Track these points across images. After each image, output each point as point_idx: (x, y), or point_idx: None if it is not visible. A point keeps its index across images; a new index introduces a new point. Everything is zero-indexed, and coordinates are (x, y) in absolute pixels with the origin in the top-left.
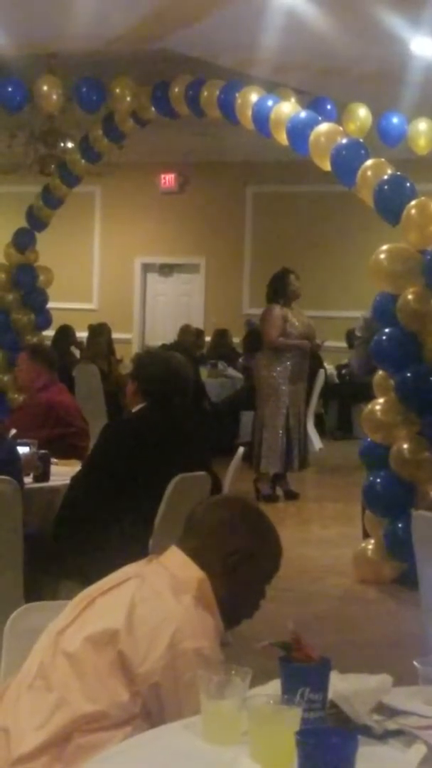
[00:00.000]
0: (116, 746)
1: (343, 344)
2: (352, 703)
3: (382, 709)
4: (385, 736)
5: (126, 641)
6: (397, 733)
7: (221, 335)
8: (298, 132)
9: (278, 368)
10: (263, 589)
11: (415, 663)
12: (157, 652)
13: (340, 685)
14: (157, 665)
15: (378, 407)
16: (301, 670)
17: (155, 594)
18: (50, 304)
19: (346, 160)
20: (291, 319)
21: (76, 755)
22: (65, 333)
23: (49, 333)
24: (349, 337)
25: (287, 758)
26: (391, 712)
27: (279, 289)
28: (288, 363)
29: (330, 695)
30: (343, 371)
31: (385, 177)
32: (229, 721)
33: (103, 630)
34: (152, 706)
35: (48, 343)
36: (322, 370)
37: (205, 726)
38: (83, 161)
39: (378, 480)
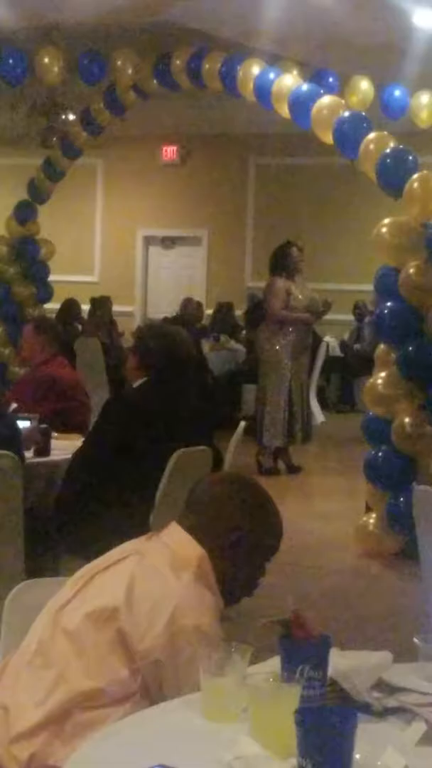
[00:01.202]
0: (115, 723)
1: (346, 317)
2: (352, 680)
3: (382, 686)
4: (384, 713)
5: (126, 618)
6: (397, 711)
7: (225, 308)
8: (300, 105)
9: (281, 341)
10: (263, 566)
11: (415, 640)
12: (156, 629)
13: (340, 662)
14: (157, 642)
15: (379, 381)
16: (300, 648)
17: (155, 571)
18: (52, 277)
19: (349, 133)
20: (294, 291)
21: (75, 732)
22: (70, 307)
23: (53, 306)
24: (358, 309)
25: (286, 736)
26: (391, 689)
27: (281, 262)
28: (291, 336)
29: (330, 672)
30: (355, 344)
31: (388, 150)
32: (228, 698)
33: (102, 607)
34: (152, 683)
35: (52, 316)
36: (324, 343)
37: (205, 703)
38: (84, 133)
39: (379, 454)
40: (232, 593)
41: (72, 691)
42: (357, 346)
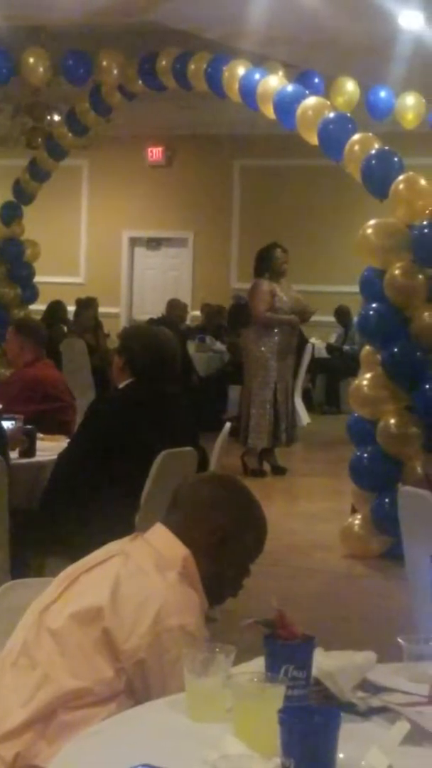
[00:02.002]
0: (100, 723)
1: (332, 319)
2: (336, 680)
3: (366, 686)
4: (368, 713)
5: (111, 618)
6: (381, 710)
7: (215, 310)
8: (285, 106)
9: (267, 343)
10: (247, 567)
11: (399, 640)
12: (141, 629)
13: (324, 662)
14: (142, 642)
15: (365, 382)
16: (284, 648)
17: (140, 571)
18: (37, 278)
19: (334, 135)
20: (279, 293)
21: (61, 732)
22: (56, 308)
23: (38, 307)
24: (340, 311)
25: (270, 736)
26: (375, 689)
27: (265, 264)
28: (276, 338)
29: (314, 672)
30: (344, 345)
31: (373, 151)
32: (213, 698)
33: (87, 607)
34: (137, 683)
35: (38, 317)
36: (309, 345)
37: (189, 703)
38: (70, 134)
39: (365, 455)
40: (217, 593)
41: (57, 691)
42: (346, 347)
